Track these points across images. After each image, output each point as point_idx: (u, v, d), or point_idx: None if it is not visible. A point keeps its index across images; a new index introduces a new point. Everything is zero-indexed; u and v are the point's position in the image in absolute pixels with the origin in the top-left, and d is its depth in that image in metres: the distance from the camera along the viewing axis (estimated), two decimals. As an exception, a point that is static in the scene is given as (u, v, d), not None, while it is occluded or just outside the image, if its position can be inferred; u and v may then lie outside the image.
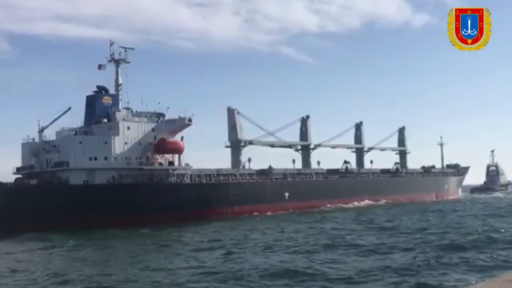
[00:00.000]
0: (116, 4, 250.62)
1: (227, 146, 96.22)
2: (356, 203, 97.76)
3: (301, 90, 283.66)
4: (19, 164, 73.93)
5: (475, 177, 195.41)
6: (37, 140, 74.26)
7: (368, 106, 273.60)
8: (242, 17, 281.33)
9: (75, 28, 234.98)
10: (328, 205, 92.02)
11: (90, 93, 75.08)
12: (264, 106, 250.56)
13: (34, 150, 71.85)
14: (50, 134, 74.45)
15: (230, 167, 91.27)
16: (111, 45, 76.94)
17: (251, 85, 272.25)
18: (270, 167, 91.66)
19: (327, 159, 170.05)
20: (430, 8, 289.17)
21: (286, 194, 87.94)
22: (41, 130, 74.57)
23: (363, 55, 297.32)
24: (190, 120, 76.16)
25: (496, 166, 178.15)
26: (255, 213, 77.59)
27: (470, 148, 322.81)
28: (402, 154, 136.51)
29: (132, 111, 76.25)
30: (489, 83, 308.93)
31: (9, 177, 71.29)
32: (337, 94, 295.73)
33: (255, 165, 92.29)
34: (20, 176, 71.84)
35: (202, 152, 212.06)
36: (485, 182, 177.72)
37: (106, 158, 68.96)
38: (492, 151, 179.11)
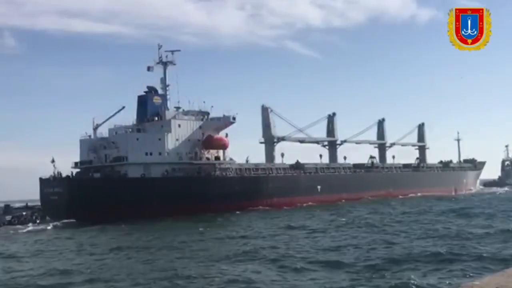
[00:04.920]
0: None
1: (261, 142, 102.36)
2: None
3: (313, 86, 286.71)
4: (73, 159, 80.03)
5: (492, 172, 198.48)
6: (92, 136, 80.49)
7: (389, 102, 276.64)
8: (247, 12, 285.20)
9: (82, 23, 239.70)
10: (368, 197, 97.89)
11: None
12: (278, 101, 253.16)
13: (92, 146, 77.86)
14: (101, 131, 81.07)
15: (263, 161, 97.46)
16: (159, 48, 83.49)
17: (253, 81, 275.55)
18: (297, 162, 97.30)
19: (350, 154, 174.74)
20: (435, 2, 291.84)
21: (319, 187, 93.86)
22: (95, 128, 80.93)
23: (369, 50, 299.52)
24: (234, 118, 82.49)
25: (511, 160, 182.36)
26: (284, 207, 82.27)
27: (486, 143, 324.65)
28: (422, 150, 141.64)
29: (179, 110, 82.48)
30: (500, 77, 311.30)
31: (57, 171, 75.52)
32: (357, 90, 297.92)
33: (284, 160, 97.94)
34: (79, 170, 78.03)
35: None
36: (499, 177, 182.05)
37: (160, 154, 75.17)
38: (507, 146, 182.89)
